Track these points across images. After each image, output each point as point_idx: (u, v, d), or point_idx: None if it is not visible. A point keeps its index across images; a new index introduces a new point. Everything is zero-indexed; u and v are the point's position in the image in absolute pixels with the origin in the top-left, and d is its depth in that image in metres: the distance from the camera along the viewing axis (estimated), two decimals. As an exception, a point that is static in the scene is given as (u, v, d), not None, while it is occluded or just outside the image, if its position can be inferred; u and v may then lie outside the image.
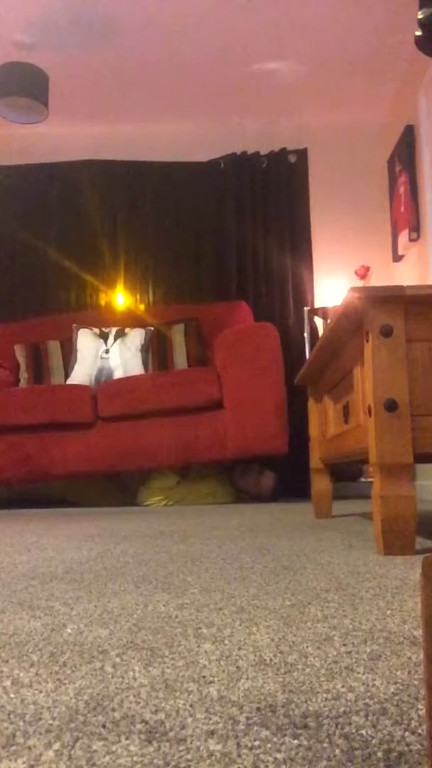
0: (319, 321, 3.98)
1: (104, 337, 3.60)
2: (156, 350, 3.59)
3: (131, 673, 0.56)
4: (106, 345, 3.56)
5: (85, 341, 3.59)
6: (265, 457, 3.09)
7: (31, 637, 0.69)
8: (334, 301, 4.07)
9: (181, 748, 0.41)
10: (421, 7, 2.45)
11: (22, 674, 0.57)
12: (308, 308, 3.96)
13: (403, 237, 3.81)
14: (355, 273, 4.19)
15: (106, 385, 3.21)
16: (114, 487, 3.45)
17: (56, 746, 0.42)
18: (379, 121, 4.31)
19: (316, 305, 4.16)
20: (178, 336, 3.62)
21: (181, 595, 0.89)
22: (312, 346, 3.87)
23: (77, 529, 1.90)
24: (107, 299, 4.26)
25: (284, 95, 4.09)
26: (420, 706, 0.47)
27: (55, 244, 4.26)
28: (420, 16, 2.44)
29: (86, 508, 3.05)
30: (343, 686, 0.51)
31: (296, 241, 4.21)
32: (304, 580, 0.98)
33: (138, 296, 4.25)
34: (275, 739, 0.42)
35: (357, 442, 1.48)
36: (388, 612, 0.76)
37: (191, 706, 0.48)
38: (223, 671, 0.56)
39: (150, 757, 0.40)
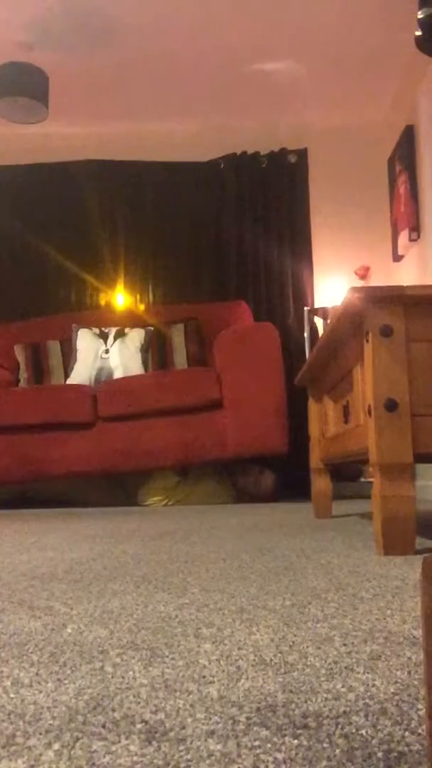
0: (319, 321, 3.98)
1: (104, 337, 3.60)
2: (156, 350, 3.59)
3: (131, 673, 0.56)
4: (106, 345, 3.56)
5: (85, 341, 3.59)
6: (265, 457, 3.09)
7: (31, 637, 0.69)
8: (334, 301, 4.07)
9: (181, 748, 0.41)
10: (421, 7, 2.46)
11: (22, 674, 0.57)
12: (308, 308, 3.95)
13: (403, 237, 3.81)
14: (355, 273, 4.19)
15: (106, 385, 3.21)
16: (114, 487, 3.45)
17: (56, 746, 0.42)
18: (379, 121, 4.31)
19: (316, 305, 4.16)
20: (178, 336, 3.62)
21: (181, 595, 0.89)
22: (312, 346, 3.87)
23: (77, 529, 1.90)
24: (107, 299, 4.26)
25: (284, 95, 4.09)
26: (420, 706, 0.47)
27: (55, 244, 4.26)
28: (420, 16, 2.44)
29: (86, 508, 3.05)
30: (343, 686, 0.51)
31: (296, 241, 4.21)
32: (304, 580, 0.98)
33: (138, 296, 4.24)
34: (275, 739, 0.42)
35: (357, 442, 1.48)
36: (388, 612, 0.76)
37: (191, 706, 0.48)
38: (223, 671, 0.56)
39: (150, 757, 0.40)
